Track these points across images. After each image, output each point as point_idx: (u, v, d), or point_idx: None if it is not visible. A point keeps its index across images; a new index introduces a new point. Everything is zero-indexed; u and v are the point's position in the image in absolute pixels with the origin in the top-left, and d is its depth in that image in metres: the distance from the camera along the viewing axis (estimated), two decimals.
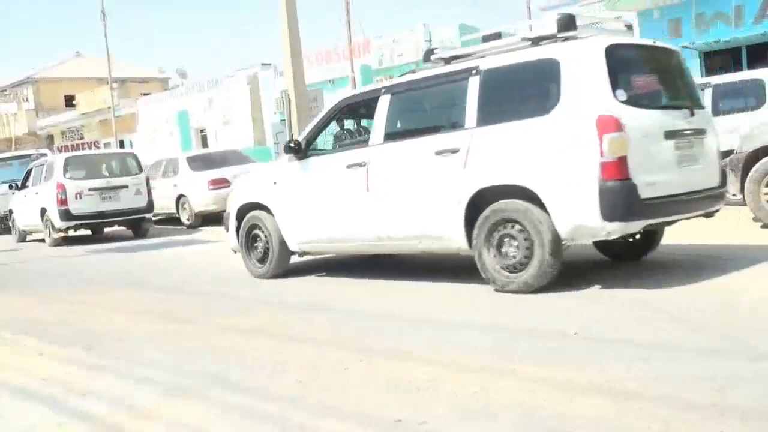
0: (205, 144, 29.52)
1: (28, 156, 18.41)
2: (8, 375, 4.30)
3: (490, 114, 5.45)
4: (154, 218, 15.91)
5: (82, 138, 38.07)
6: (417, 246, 6.04)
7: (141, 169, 14.43)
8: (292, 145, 6.67)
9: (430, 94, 6.21)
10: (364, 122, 7.00)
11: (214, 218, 13.95)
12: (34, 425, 3.37)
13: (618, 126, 4.87)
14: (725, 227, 7.78)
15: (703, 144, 5.61)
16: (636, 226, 5.14)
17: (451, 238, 5.60)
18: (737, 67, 14.98)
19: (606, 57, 5.07)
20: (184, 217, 15.41)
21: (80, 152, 19.20)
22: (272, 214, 6.91)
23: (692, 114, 5.48)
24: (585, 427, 2.73)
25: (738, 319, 4.12)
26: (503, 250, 5.30)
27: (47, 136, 40.21)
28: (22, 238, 15.71)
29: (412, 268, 7.05)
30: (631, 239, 6.02)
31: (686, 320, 4.16)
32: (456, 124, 5.69)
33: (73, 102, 39.15)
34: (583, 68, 5.12)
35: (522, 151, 5.21)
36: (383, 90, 6.28)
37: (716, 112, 9.56)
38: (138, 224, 14.19)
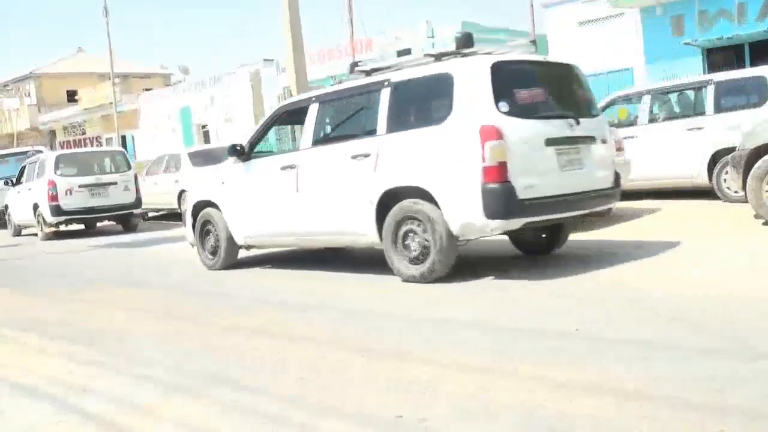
0: (207, 140, 29.50)
1: (24, 153, 19.09)
2: (9, 373, 4.30)
3: (396, 122, 6.08)
4: (156, 213, 16.15)
5: (84, 133, 38.11)
6: (340, 240, 6.90)
7: (129, 166, 15.06)
8: (237, 148, 7.36)
9: (351, 104, 6.80)
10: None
11: None
12: (34, 423, 3.37)
13: (498, 135, 5.46)
14: (727, 224, 7.79)
15: (590, 150, 6.14)
16: (516, 224, 5.71)
17: (365, 233, 6.25)
18: (740, 64, 14.95)
19: (491, 73, 5.65)
20: None
21: (71, 150, 20.05)
22: (221, 211, 7.62)
23: (578, 122, 5.99)
24: (585, 427, 2.73)
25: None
26: (407, 243, 5.94)
27: (49, 131, 40.26)
28: (18, 232, 16.31)
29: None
30: (543, 235, 6.72)
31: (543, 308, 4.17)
32: (369, 131, 6.28)
33: (75, 97, 39.16)
34: (471, 82, 5.71)
35: (420, 156, 5.85)
36: (313, 99, 6.97)
37: (718, 109, 9.55)
38: (127, 219, 14.77)
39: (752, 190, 7.35)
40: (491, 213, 5.49)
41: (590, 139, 6.16)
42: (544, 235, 6.78)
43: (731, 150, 8.03)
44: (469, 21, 21.94)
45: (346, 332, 4.61)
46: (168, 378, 3.91)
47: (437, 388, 3.31)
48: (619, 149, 9.16)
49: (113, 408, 3.45)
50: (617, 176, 6.47)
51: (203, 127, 30.76)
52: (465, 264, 6.26)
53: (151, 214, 17.65)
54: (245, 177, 7.38)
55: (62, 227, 14.69)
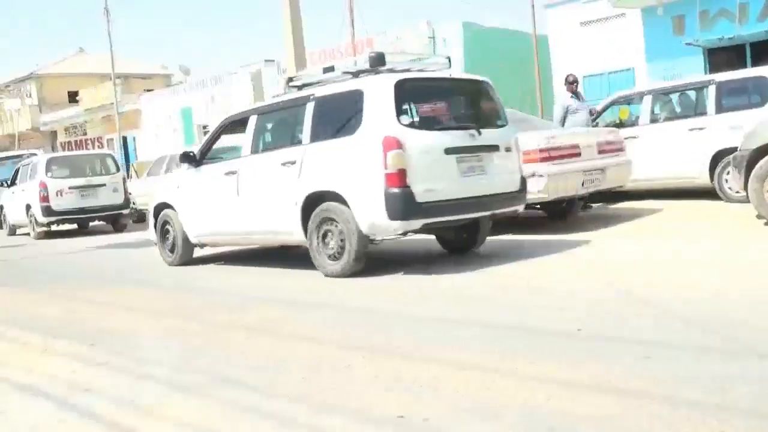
0: None
1: (20, 156, 20.14)
2: (11, 372, 4.30)
3: (318, 133, 6.75)
4: None
5: (85, 134, 38.13)
6: (274, 239, 7.65)
7: (118, 169, 15.80)
8: (189, 155, 8.17)
9: (283, 116, 7.52)
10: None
11: None
12: (36, 422, 3.37)
13: (398, 145, 6.08)
14: (728, 224, 7.79)
15: (493, 158, 6.71)
16: (415, 225, 6.31)
17: (293, 233, 6.90)
18: (741, 64, 14.94)
19: (394, 89, 6.28)
20: None
21: (61, 153, 21.00)
22: (176, 213, 8.37)
23: (479, 133, 6.58)
24: (587, 426, 2.73)
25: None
26: (327, 242, 6.59)
27: (50, 132, 40.25)
28: (12, 231, 17.02)
29: (405, 263, 7.06)
30: (465, 234, 7.32)
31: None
32: (296, 141, 7.02)
33: (77, 98, 39.16)
34: (378, 98, 6.33)
35: (336, 164, 6.51)
36: (252, 111, 7.83)
37: (720, 109, 9.54)
38: (116, 219, 15.39)
39: (754, 191, 7.35)
40: (393, 214, 6.11)
41: (493, 148, 6.74)
42: (465, 235, 7.34)
43: (733, 150, 8.02)
44: (469, 21, 21.95)
45: (349, 330, 4.61)
46: (171, 376, 3.92)
47: (439, 386, 3.32)
48: (620, 150, 9.17)
49: (116, 407, 3.45)
50: (523, 181, 7.09)
51: (204, 127, 30.73)
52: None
53: None
54: (196, 181, 8.15)
55: (54, 227, 15.28)
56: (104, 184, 15.05)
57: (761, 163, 7.29)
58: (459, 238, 7.39)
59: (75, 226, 15.97)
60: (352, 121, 6.48)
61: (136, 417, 3.32)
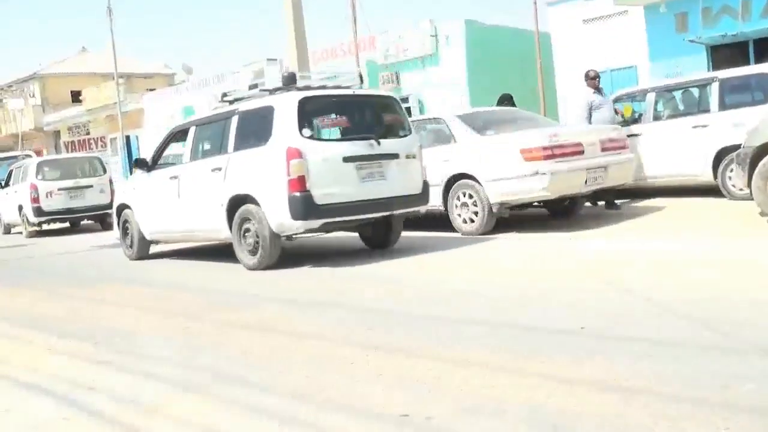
0: None
1: (15, 157, 21.38)
2: (15, 370, 4.32)
3: (240, 143, 7.63)
4: None
5: (88, 134, 38.11)
6: (207, 236, 8.53)
7: (105, 171, 16.91)
8: (143, 161, 9.27)
9: (215, 127, 8.26)
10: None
11: None
12: (40, 420, 3.38)
13: (299, 154, 6.95)
14: (731, 222, 7.77)
15: (392, 164, 7.51)
16: (315, 224, 7.18)
17: (221, 231, 7.83)
18: (744, 61, 14.89)
19: (298, 105, 7.15)
20: None
21: (51, 156, 22.12)
22: (133, 212, 9.39)
23: (379, 143, 7.39)
24: (591, 423, 2.73)
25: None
26: (246, 238, 7.49)
27: (54, 131, 40.25)
28: (7, 230, 18.00)
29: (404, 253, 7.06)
30: (384, 232, 8.10)
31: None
32: (223, 150, 7.84)
33: (80, 98, 39.16)
34: (284, 113, 7.20)
35: (252, 171, 7.40)
36: (192, 123, 8.87)
37: (723, 106, 9.51)
38: (103, 219, 15.95)
39: (757, 188, 7.33)
40: (295, 215, 6.99)
41: (393, 156, 7.55)
42: (381, 233, 8.18)
43: (736, 147, 8.00)
44: (472, 19, 21.91)
45: (352, 327, 4.61)
46: (174, 374, 3.92)
47: (443, 384, 3.32)
48: (623, 147, 9.16)
49: (119, 406, 3.46)
50: (425, 185, 7.89)
51: None
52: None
53: None
54: (147, 185, 9.16)
55: (45, 226, 16.37)
56: (91, 186, 16.10)
57: (765, 160, 7.27)
58: (376, 235, 8.20)
59: (67, 224, 17.06)
60: (265, 133, 7.32)
61: (139, 415, 3.32)
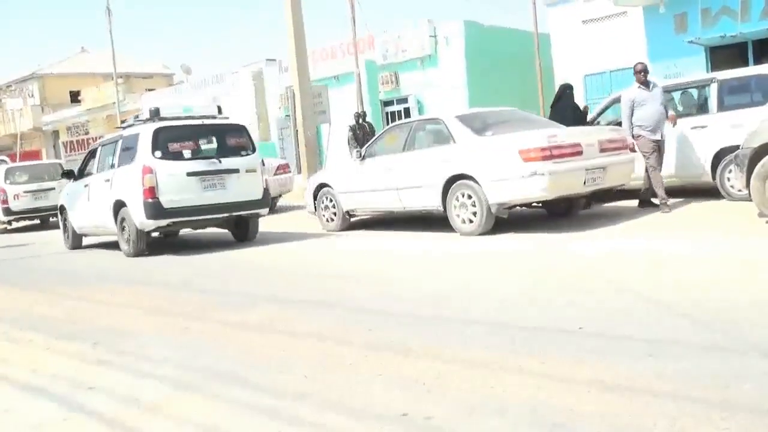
0: None
1: None
2: (15, 370, 4.32)
3: (121, 161, 10.14)
4: None
5: (87, 133, 38.05)
6: (105, 231, 11.02)
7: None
8: (70, 172, 12.24)
9: (109, 148, 10.82)
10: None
11: None
12: (40, 420, 3.38)
13: (150, 170, 9.46)
14: (730, 223, 7.78)
15: (232, 177, 9.91)
16: (164, 222, 9.73)
17: (112, 228, 10.32)
18: (743, 62, 14.90)
19: (153, 134, 9.65)
20: None
21: (19, 163, 23.25)
22: (67, 212, 12.10)
23: (220, 161, 9.83)
24: (592, 423, 2.73)
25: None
26: (124, 232, 10.01)
27: (53, 131, 40.23)
28: None
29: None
30: (244, 229, 10.55)
31: None
32: (112, 165, 10.39)
33: (79, 98, 39.14)
34: (144, 139, 9.69)
35: (125, 182, 9.85)
36: (99, 143, 11.47)
37: (721, 107, 9.51)
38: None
39: (756, 189, 7.33)
40: (148, 216, 9.54)
41: (234, 171, 9.92)
42: (240, 229, 10.64)
43: (735, 148, 8.00)
44: (471, 20, 21.91)
45: (351, 327, 4.61)
46: (174, 374, 3.92)
47: (443, 383, 3.32)
48: (622, 148, 9.15)
49: (119, 406, 3.46)
50: (265, 192, 10.23)
51: None
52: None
53: None
54: (74, 190, 11.84)
55: (15, 224, 19.28)
56: (54, 188, 17.97)
57: (763, 161, 7.27)
58: (240, 231, 10.62)
59: (37, 221, 19.38)
60: (133, 154, 9.81)
61: (139, 415, 3.33)
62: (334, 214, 10.83)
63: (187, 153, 9.81)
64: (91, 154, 11.50)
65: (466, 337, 4.16)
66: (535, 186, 8.05)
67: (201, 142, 10.18)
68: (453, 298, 5.36)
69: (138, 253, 9.85)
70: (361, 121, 15.80)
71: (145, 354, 4.46)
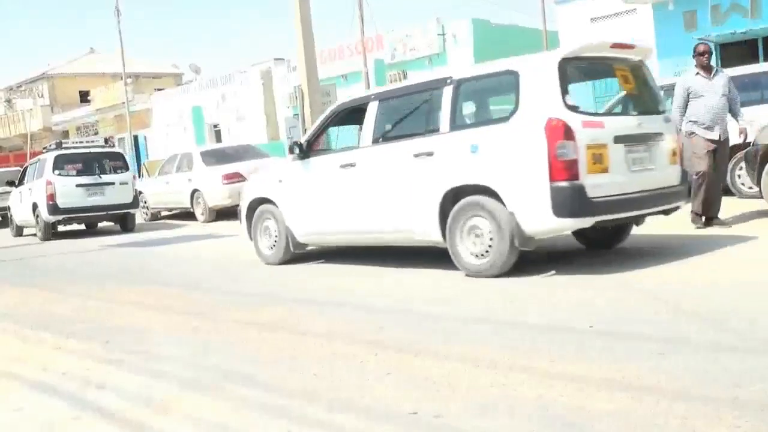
0: (218, 139, 29.51)
1: None
2: (26, 369, 4.34)
3: (36, 175, 14.85)
4: (169, 212, 16.73)
5: (96, 133, 38.18)
6: (30, 224, 15.58)
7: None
8: (12, 182, 16.90)
9: (34, 166, 15.29)
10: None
11: (228, 213, 14.06)
12: (51, 418, 3.39)
13: (51, 183, 14.44)
14: (741, 221, 7.73)
15: (109, 187, 14.68)
16: (60, 217, 14.51)
17: (33, 222, 14.77)
18: (753, 59, 14.82)
19: (54, 158, 14.61)
20: (199, 212, 15.46)
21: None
22: (13, 210, 16.79)
23: (100, 176, 14.66)
24: (602, 422, 2.72)
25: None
26: (38, 221, 14.52)
27: (62, 131, 40.40)
28: None
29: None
30: (125, 226, 15.40)
31: None
32: (33, 178, 15.05)
33: (88, 98, 39.29)
34: (49, 162, 14.53)
35: (37, 190, 14.55)
36: (29, 163, 15.96)
37: None
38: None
39: (766, 186, 7.30)
40: (50, 213, 14.38)
41: (110, 183, 14.87)
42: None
43: (745, 146, 7.96)
44: (479, 18, 21.89)
45: (360, 327, 4.62)
46: (184, 373, 3.93)
47: (452, 382, 3.32)
48: None
49: (129, 404, 3.47)
50: (135, 198, 15.20)
51: (215, 126, 30.81)
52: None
53: (163, 213, 17.80)
54: (14, 195, 16.62)
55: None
56: (10, 191, 18.86)
57: None
58: (123, 225, 15.22)
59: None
60: (42, 172, 14.71)
61: (150, 414, 3.33)
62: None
63: (77, 171, 14.66)
64: (24, 170, 16.60)
65: (474, 336, 4.15)
66: None
67: (88, 163, 14.84)
68: (460, 296, 5.35)
69: (46, 239, 14.52)
70: None
71: (156, 353, 4.48)
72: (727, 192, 9.34)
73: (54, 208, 14.29)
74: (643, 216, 6.24)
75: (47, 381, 4.02)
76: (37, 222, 14.78)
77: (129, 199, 14.95)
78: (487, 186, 5.72)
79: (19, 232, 16.84)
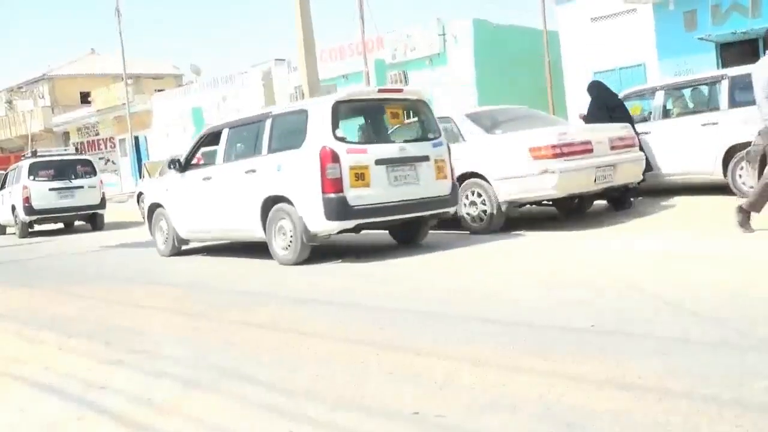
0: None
1: None
2: (29, 369, 4.34)
3: (14, 181, 16.87)
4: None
5: (97, 134, 38.22)
6: (9, 223, 17.35)
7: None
8: None
9: (12, 172, 17.05)
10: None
11: None
12: (53, 419, 3.40)
13: (26, 188, 16.22)
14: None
15: (79, 191, 16.67)
16: (35, 217, 16.28)
17: (12, 221, 16.97)
18: (754, 58, 14.81)
19: (29, 167, 16.45)
20: None
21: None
22: None
23: (71, 181, 16.64)
24: (604, 421, 2.72)
25: None
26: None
27: (63, 132, 40.40)
28: None
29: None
30: (92, 222, 17.36)
31: None
32: (12, 183, 16.97)
33: (89, 99, 39.29)
34: (24, 169, 16.55)
35: (15, 194, 16.30)
36: (9, 169, 17.43)
37: (732, 104, 9.45)
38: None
39: None
40: (26, 213, 16.05)
41: (80, 187, 16.13)
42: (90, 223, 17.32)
43: (746, 145, 7.96)
44: (479, 18, 21.87)
45: (361, 326, 4.62)
46: (186, 373, 3.93)
47: (454, 382, 3.32)
48: (632, 146, 9.13)
49: (131, 404, 3.48)
50: (102, 200, 16.79)
51: None
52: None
53: None
54: None
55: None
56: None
57: None
58: (93, 224, 17.09)
59: None
60: (19, 177, 16.41)
61: (152, 414, 3.34)
62: None
63: (50, 176, 16.48)
64: (6, 176, 18.23)
65: (477, 336, 4.15)
66: (545, 184, 8.04)
67: (60, 169, 16.69)
68: (463, 297, 5.36)
69: (24, 236, 16.28)
70: None
71: (158, 352, 4.48)
72: (729, 191, 9.36)
73: (30, 210, 16.20)
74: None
75: (49, 381, 4.02)
76: (16, 222, 16.77)
77: (97, 201, 16.88)
78: (286, 196, 7.52)
79: (2, 231, 18.88)
